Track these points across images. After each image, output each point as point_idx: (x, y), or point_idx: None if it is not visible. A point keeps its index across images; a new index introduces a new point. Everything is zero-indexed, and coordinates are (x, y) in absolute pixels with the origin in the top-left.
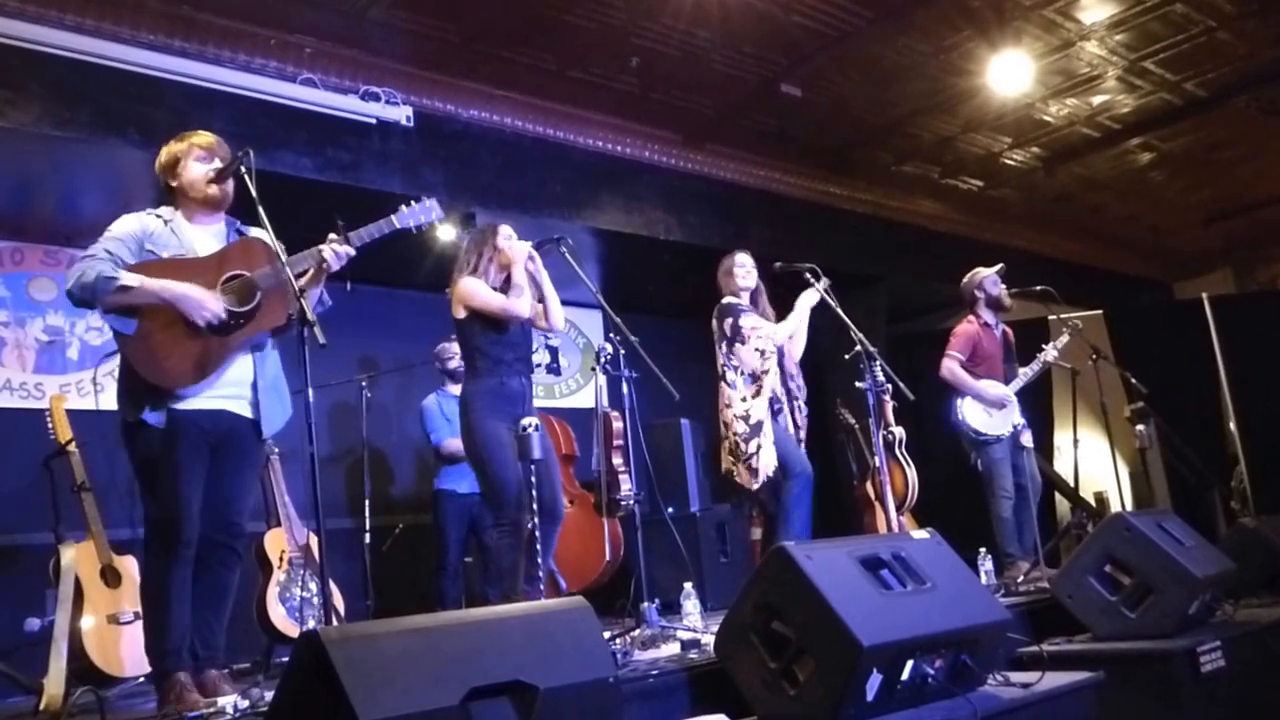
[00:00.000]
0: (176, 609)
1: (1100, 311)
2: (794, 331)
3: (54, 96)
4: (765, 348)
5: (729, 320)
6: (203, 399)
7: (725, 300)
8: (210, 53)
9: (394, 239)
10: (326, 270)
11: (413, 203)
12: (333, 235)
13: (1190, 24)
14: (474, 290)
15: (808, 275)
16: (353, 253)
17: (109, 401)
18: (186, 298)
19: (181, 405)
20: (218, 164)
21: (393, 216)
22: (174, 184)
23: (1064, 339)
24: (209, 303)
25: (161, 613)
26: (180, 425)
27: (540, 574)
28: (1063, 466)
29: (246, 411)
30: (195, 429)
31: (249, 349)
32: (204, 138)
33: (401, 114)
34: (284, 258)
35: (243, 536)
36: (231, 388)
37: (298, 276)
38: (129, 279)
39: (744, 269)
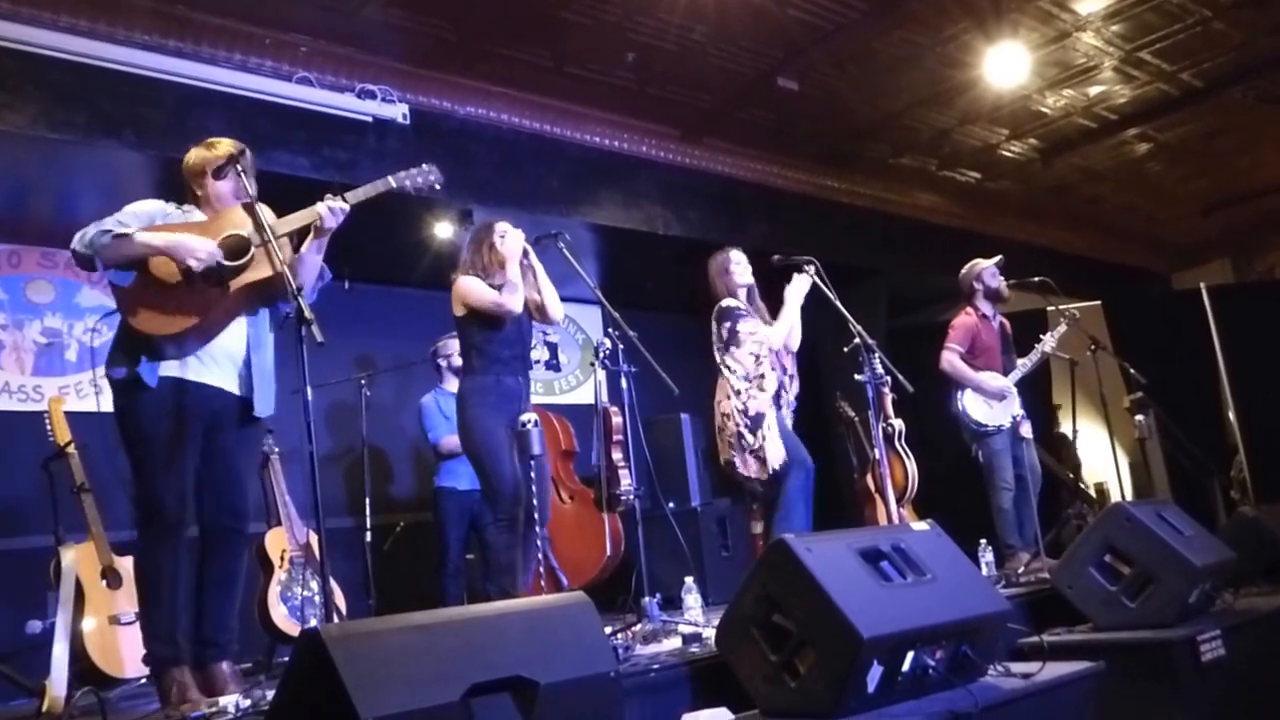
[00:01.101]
0: (169, 592)
1: (1098, 302)
2: (788, 330)
3: (49, 99)
4: (760, 352)
5: (726, 324)
6: (195, 370)
7: (724, 303)
8: (205, 52)
9: (389, 234)
10: (324, 229)
11: (412, 169)
12: (329, 194)
13: (1186, 14)
14: (469, 287)
15: (805, 267)
16: (347, 209)
17: (107, 403)
18: (179, 245)
19: (175, 373)
20: (247, 181)
21: (389, 177)
22: (199, 193)
23: (1061, 328)
24: (200, 245)
25: (155, 595)
26: (172, 395)
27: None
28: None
29: (237, 388)
30: (187, 401)
31: (245, 324)
32: (228, 147)
33: (398, 112)
34: (270, 216)
35: (246, 518)
36: (224, 360)
37: (297, 233)
38: (123, 229)
39: (740, 265)
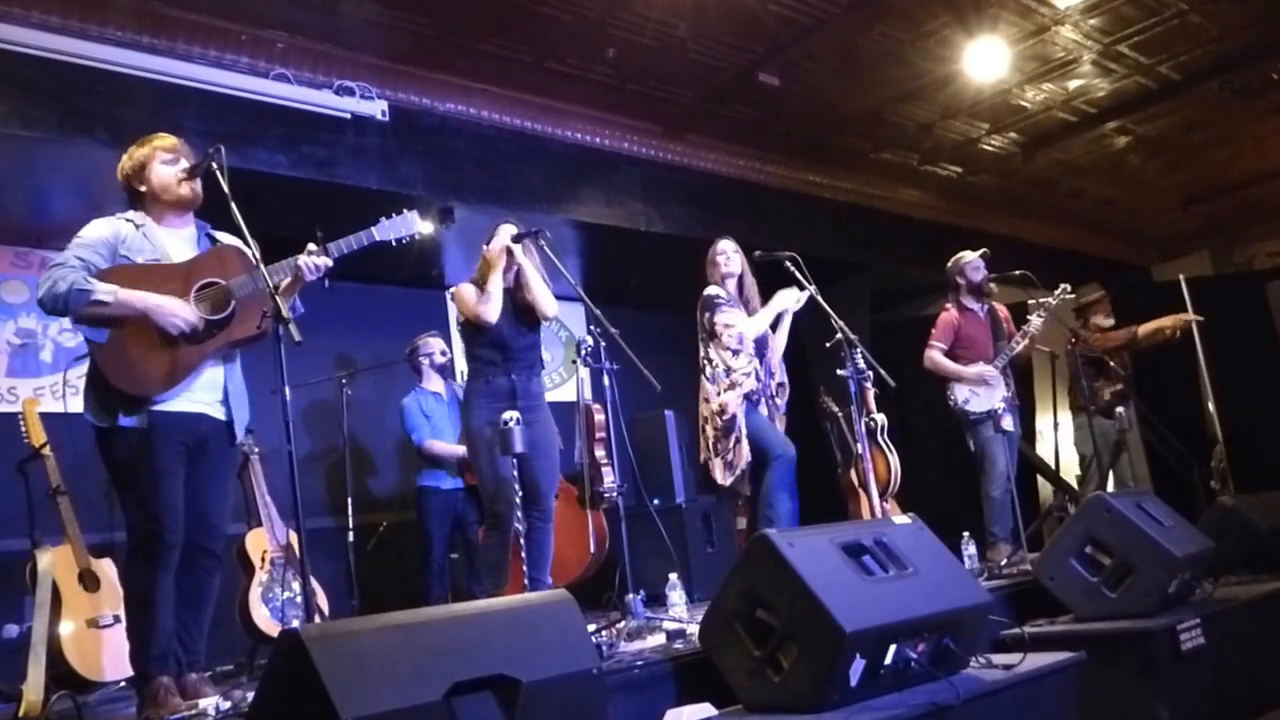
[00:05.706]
0: (162, 616)
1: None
2: (766, 327)
3: (21, 95)
4: (736, 346)
5: (707, 315)
6: (179, 401)
7: (706, 292)
8: (180, 49)
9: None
10: (303, 281)
11: (393, 215)
12: (311, 246)
13: (1163, 7)
14: (459, 294)
15: (794, 270)
16: (330, 264)
17: (81, 403)
18: (159, 309)
19: (158, 407)
20: (184, 164)
21: (373, 229)
22: (142, 189)
23: (1054, 301)
24: (182, 312)
25: (147, 620)
26: (158, 427)
27: (527, 581)
28: (1044, 450)
29: (220, 414)
30: (173, 431)
31: (220, 360)
32: (166, 140)
33: (377, 108)
34: (262, 267)
35: (223, 539)
36: (205, 391)
37: (275, 287)
38: (103, 293)
39: (724, 256)
